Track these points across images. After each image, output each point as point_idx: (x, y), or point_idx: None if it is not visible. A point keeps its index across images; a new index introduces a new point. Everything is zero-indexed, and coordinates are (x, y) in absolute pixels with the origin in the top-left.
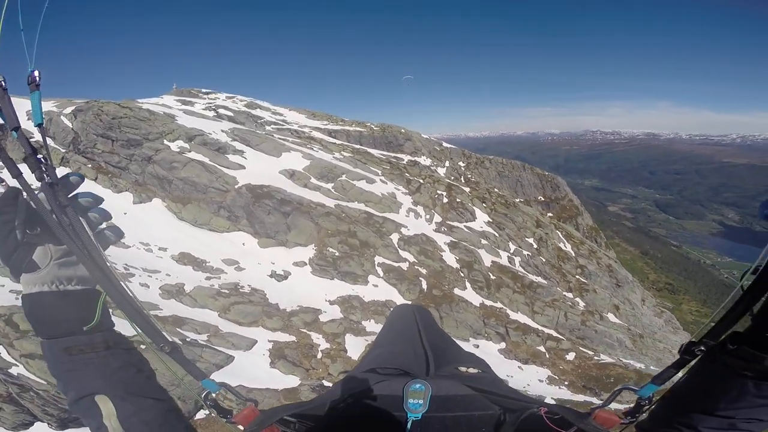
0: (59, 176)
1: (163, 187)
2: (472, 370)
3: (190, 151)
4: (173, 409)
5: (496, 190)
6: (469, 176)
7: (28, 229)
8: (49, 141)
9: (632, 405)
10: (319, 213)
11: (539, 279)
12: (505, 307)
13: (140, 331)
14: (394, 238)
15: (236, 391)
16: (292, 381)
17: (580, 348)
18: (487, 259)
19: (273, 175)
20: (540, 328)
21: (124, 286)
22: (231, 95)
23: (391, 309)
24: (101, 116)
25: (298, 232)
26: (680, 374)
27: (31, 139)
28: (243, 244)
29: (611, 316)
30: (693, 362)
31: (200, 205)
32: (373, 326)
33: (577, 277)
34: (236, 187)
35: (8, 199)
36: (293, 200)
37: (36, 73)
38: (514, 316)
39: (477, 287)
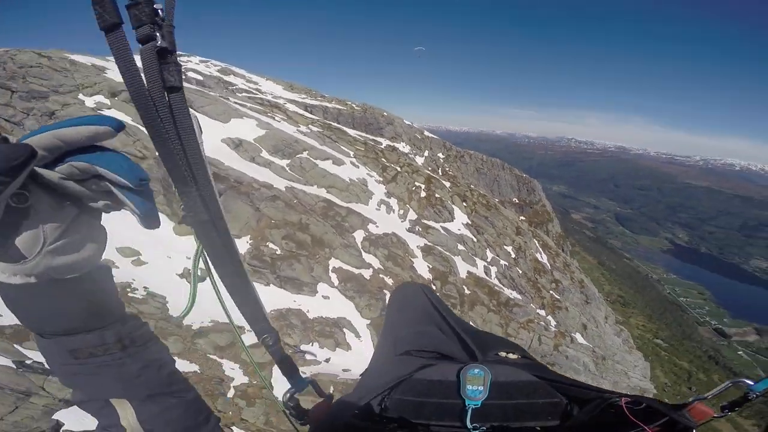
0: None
1: None
2: (512, 356)
3: (110, 108)
4: (195, 401)
5: (472, 186)
6: (447, 169)
7: (13, 200)
8: None
9: (734, 398)
10: (262, 196)
11: (515, 294)
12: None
13: (240, 310)
14: (359, 236)
15: (320, 387)
16: None
17: None
18: (462, 268)
19: (213, 144)
20: None
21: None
22: (205, 59)
23: (394, 288)
24: (7, 64)
25: (230, 218)
26: None
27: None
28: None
29: (579, 337)
30: None
31: None
32: (317, 352)
33: (551, 292)
34: (157, 153)
35: (17, 161)
36: (230, 176)
37: None
38: None
39: (449, 303)
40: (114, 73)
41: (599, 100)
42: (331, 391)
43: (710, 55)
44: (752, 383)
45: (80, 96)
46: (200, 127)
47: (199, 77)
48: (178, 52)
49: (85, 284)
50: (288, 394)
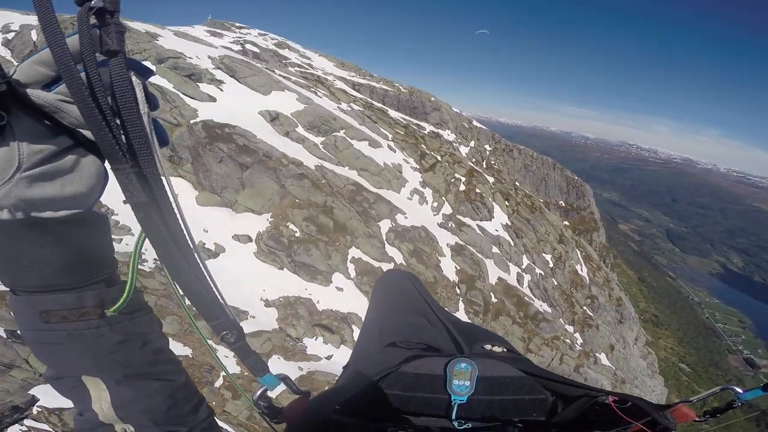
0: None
1: None
2: (497, 349)
3: (154, 75)
4: (184, 387)
5: (517, 184)
6: (493, 162)
7: None
8: (7, 54)
9: (717, 405)
10: (289, 173)
11: (545, 307)
12: None
13: (195, 307)
14: (384, 226)
15: (295, 384)
16: None
17: None
18: (493, 273)
19: (249, 115)
20: None
21: (183, 224)
22: (264, 33)
23: (381, 275)
24: (67, 30)
25: (253, 192)
26: None
27: None
28: (176, 195)
29: (604, 358)
30: None
31: None
32: (318, 348)
33: (585, 308)
34: (192, 121)
35: None
36: (259, 150)
37: None
38: None
39: (472, 311)
40: (164, 40)
41: (670, 107)
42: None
43: None
44: (741, 392)
45: None
46: (145, 96)
47: (256, 50)
48: (238, 25)
49: (67, 230)
50: (259, 392)
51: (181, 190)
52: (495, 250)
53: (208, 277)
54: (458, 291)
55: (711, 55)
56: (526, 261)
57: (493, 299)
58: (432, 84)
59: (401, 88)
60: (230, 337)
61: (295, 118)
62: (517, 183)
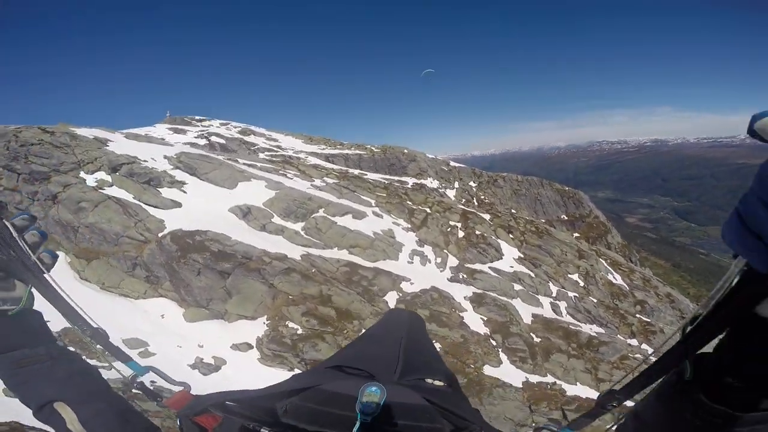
0: None
1: (68, 237)
2: (437, 383)
3: (111, 186)
4: (129, 409)
5: (514, 212)
6: (482, 197)
7: None
8: None
9: None
10: (275, 270)
11: (596, 329)
12: (559, 381)
13: (66, 318)
14: (391, 299)
15: (165, 374)
16: None
17: None
18: (525, 312)
19: (219, 215)
20: None
21: (56, 286)
22: (225, 122)
23: (386, 312)
24: (11, 143)
25: (242, 299)
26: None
27: None
28: (162, 316)
29: None
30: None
31: (110, 261)
32: None
33: (638, 316)
34: (160, 235)
35: None
36: (237, 252)
37: None
38: (572, 390)
39: (517, 359)
40: (115, 145)
41: (622, 96)
42: None
43: (731, 33)
44: (556, 429)
45: (81, 174)
46: (18, 231)
47: (222, 141)
48: (198, 118)
49: (19, 317)
50: (130, 376)
51: (166, 310)
52: (517, 287)
53: (69, 300)
54: (494, 342)
55: (642, 39)
56: (554, 288)
57: (536, 339)
58: (403, 137)
59: (373, 149)
60: (87, 332)
61: (268, 207)
62: (513, 211)
